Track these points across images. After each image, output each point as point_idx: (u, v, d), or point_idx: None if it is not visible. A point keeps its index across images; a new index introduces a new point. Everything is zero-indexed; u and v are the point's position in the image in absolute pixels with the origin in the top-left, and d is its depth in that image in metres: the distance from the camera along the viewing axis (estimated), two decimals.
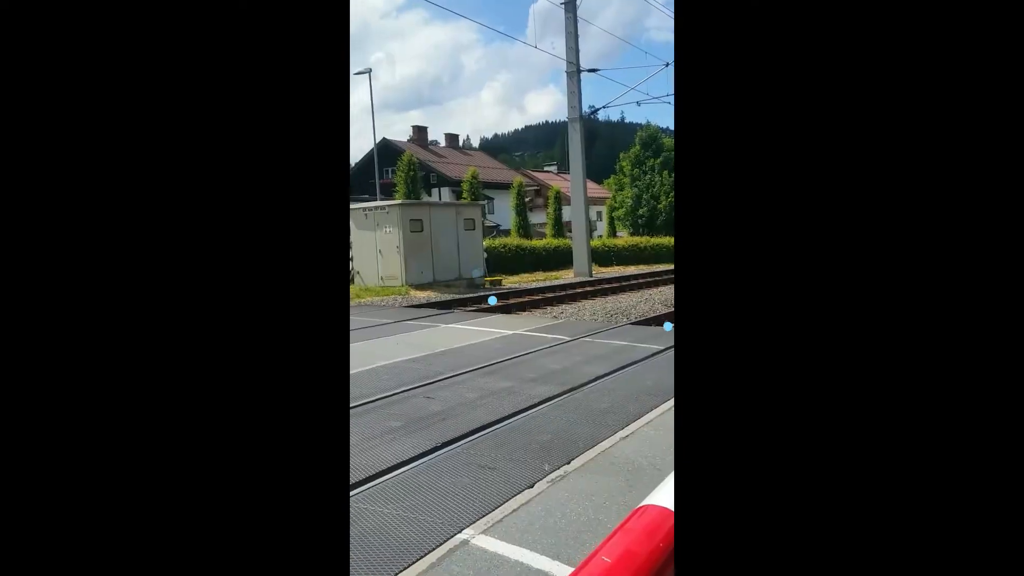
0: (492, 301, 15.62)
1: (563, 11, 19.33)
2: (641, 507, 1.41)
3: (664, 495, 1.41)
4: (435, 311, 11.19)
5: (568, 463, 3.73)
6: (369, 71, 28.08)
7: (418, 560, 2.68)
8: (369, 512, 3.11)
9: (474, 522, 3.01)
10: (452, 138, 49.17)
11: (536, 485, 3.42)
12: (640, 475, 3.51)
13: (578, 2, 19.19)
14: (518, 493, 3.32)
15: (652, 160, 38.73)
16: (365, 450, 3.98)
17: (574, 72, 19.42)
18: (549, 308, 12.73)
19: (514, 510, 3.12)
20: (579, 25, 19.32)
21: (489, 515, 3.07)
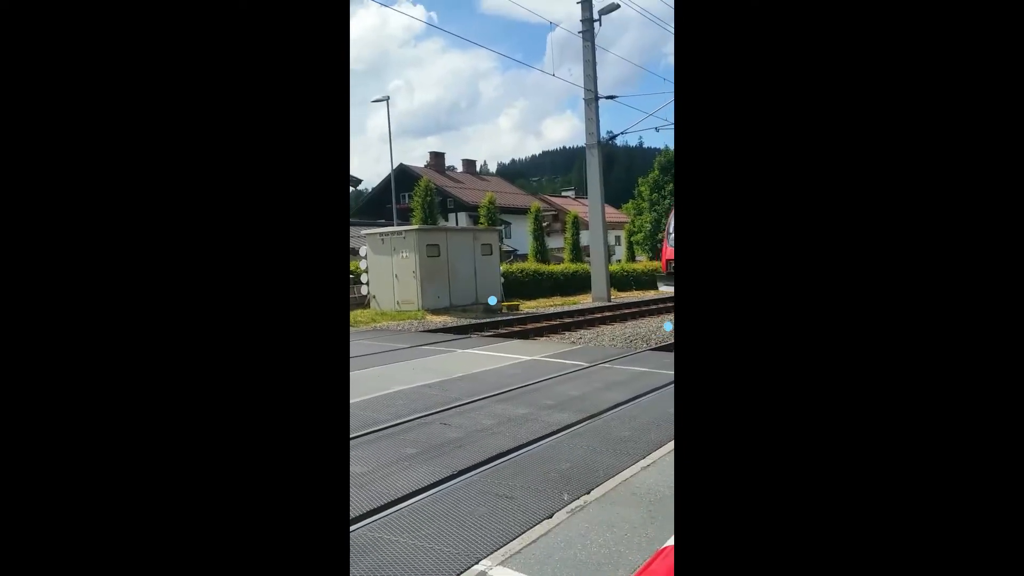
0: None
1: (580, 39, 19.50)
2: (665, 548, 1.34)
3: None
4: (452, 336, 11.15)
5: (588, 493, 3.64)
6: (387, 99, 28.42)
7: None
8: (384, 541, 3.04)
9: (492, 553, 2.93)
10: (469, 163, 49.55)
11: (555, 515, 3.33)
12: (662, 506, 3.41)
13: (596, 30, 19.35)
14: (537, 523, 3.23)
15: (671, 185, 38.77)
16: (380, 478, 3.92)
17: (592, 99, 19.52)
18: (567, 333, 12.64)
19: (533, 541, 3.03)
20: (596, 52, 19.46)
21: (507, 546, 2.99)
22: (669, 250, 19.78)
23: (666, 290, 20.12)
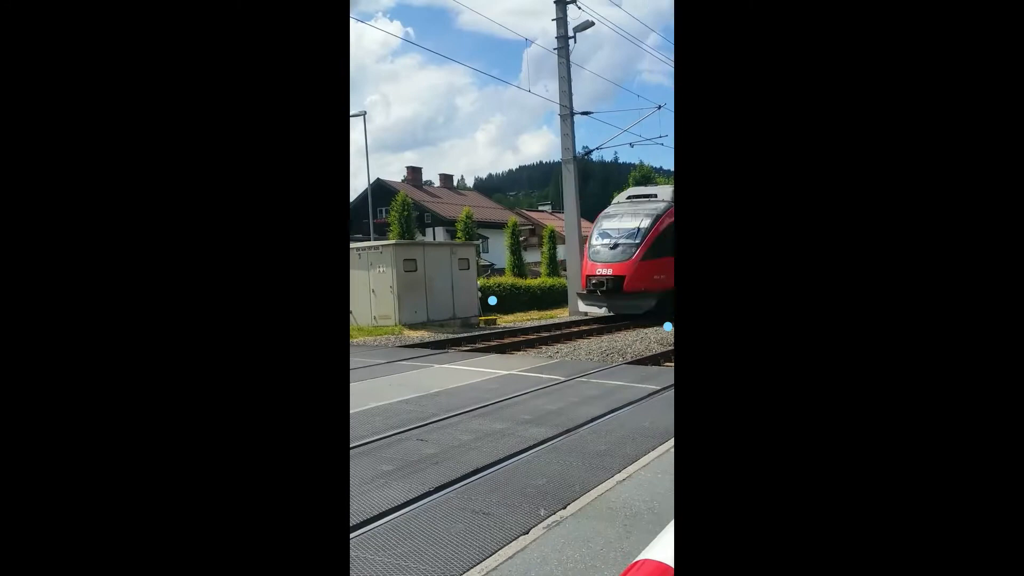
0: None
1: (555, 56, 19.68)
2: (638, 562, 1.36)
3: (661, 549, 1.36)
4: (429, 351, 11.12)
5: (564, 508, 3.66)
6: (364, 114, 28.36)
7: None
8: (361, 560, 3.03)
9: (468, 570, 2.93)
10: (447, 178, 49.55)
11: (532, 531, 3.34)
12: (638, 520, 3.44)
13: (570, 47, 19.55)
14: (513, 540, 3.24)
15: None
16: (356, 495, 3.90)
17: (567, 115, 19.68)
18: (544, 348, 12.66)
19: (509, 557, 3.04)
20: (571, 69, 19.65)
21: (484, 563, 3.00)
22: (590, 264, 17.15)
23: (589, 310, 17.54)
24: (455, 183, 53.33)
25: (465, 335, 14.11)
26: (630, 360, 10.10)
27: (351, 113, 29.02)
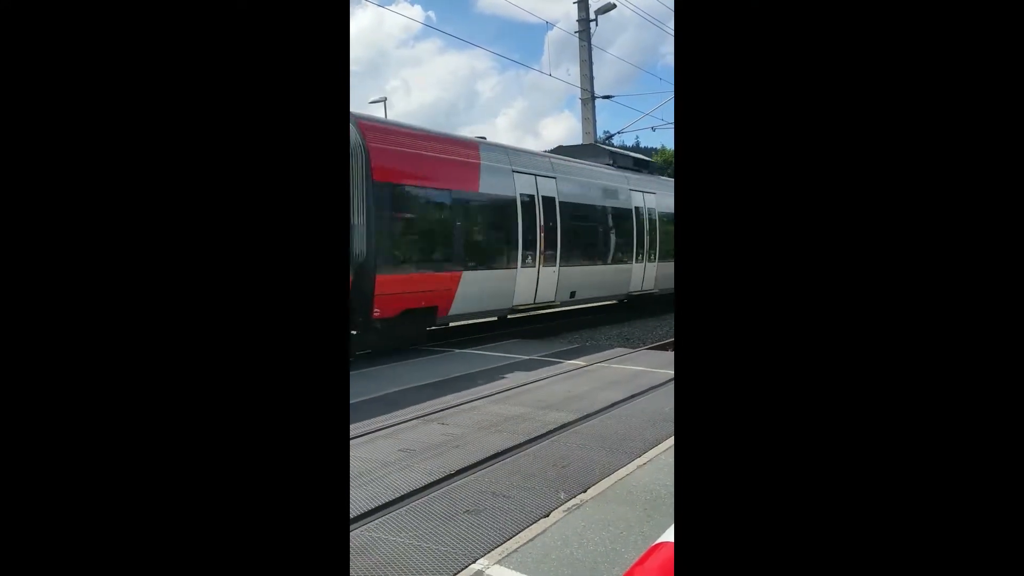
0: None
1: (577, 39, 19.52)
2: (658, 544, 1.37)
3: None
4: (449, 336, 11.16)
5: (584, 491, 3.66)
6: (384, 100, 28.46)
7: None
8: (382, 541, 3.06)
9: (489, 551, 2.95)
10: None
11: (552, 514, 3.35)
12: (658, 505, 3.44)
13: (592, 30, 19.37)
14: (534, 522, 3.25)
15: None
16: (378, 478, 3.94)
17: (588, 99, 19.54)
18: (565, 333, 12.65)
19: (530, 540, 3.05)
20: (593, 53, 19.47)
21: (504, 544, 3.01)
22: None
23: None
24: None
25: (485, 320, 14.10)
26: (652, 345, 10.06)
27: (372, 100, 29.08)
